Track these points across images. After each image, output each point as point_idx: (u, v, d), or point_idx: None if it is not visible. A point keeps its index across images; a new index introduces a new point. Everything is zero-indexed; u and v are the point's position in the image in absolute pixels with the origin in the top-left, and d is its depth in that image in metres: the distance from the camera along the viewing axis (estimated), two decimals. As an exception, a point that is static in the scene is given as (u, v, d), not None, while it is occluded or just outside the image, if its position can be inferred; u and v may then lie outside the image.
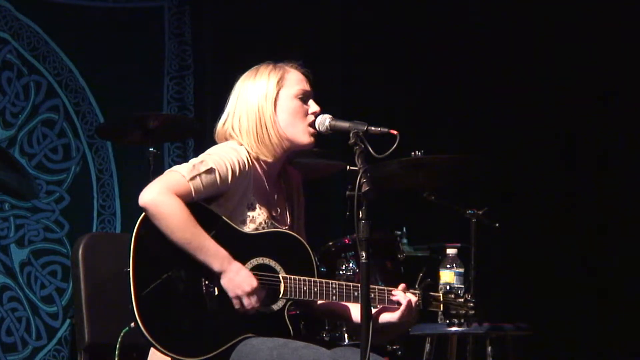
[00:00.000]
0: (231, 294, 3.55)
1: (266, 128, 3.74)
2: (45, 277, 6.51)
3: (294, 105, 3.78)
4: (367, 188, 3.40)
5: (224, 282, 3.55)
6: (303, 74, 3.85)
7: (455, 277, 4.56)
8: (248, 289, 3.55)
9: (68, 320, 6.40)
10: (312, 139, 3.79)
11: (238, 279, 3.55)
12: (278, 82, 3.78)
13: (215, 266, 3.54)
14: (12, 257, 6.45)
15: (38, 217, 6.53)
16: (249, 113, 3.76)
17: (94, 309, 4.08)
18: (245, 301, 3.55)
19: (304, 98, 3.80)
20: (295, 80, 3.81)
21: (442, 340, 5.38)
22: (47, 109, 6.60)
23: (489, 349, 5.15)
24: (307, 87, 3.82)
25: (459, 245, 4.78)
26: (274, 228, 3.75)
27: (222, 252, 3.56)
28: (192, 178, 3.57)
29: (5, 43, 6.50)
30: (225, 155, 3.67)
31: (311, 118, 3.78)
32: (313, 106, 3.80)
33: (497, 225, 5.19)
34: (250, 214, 3.71)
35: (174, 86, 6.88)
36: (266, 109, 3.75)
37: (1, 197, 6.40)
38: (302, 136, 3.78)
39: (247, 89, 3.79)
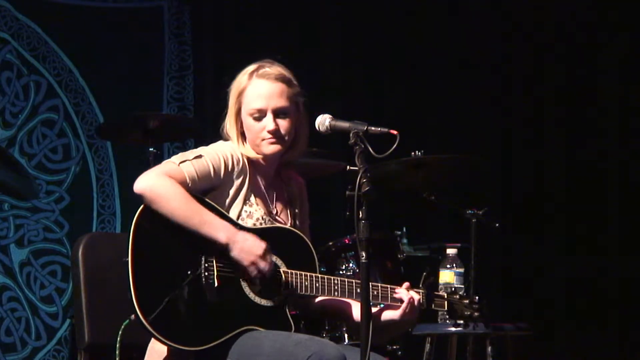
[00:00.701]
0: (245, 262, 3.56)
1: (239, 139, 3.77)
2: (45, 277, 6.51)
3: (248, 122, 3.77)
4: (367, 188, 3.40)
5: (234, 252, 3.56)
6: (270, 80, 3.76)
7: (455, 277, 4.57)
8: (260, 251, 3.57)
9: (68, 320, 6.40)
10: (272, 147, 3.74)
11: (248, 246, 3.57)
12: (237, 97, 3.78)
13: (222, 238, 3.56)
14: (12, 257, 6.44)
15: (38, 217, 6.53)
16: (229, 122, 3.80)
17: (94, 309, 4.08)
18: (262, 265, 3.57)
19: (258, 117, 3.75)
20: (252, 96, 3.76)
21: (442, 340, 5.38)
22: (46, 109, 6.60)
23: (489, 349, 5.15)
24: (261, 104, 3.74)
25: (459, 245, 4.79)
26: (273, 224, 3.76)
27: (225, 224, 3.58)
28: (182, 162, 3.61)
29: (5, 43, 6.50)
30: (220, 150, 3.72)
31: (266, 135, 3.73)
32: (269, 124, 3.74)
33: (497, 225, 5.19)
34: (247, 209, 3.72)
35: (173, 86, 6.88)
36: (235, 122, 3.78)
37: (1, 197, 6.40)
38: (261, 149, 3.76)
39: (229, 96, 3.82)
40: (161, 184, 3.54)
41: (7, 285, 6.42)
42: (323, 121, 3.73)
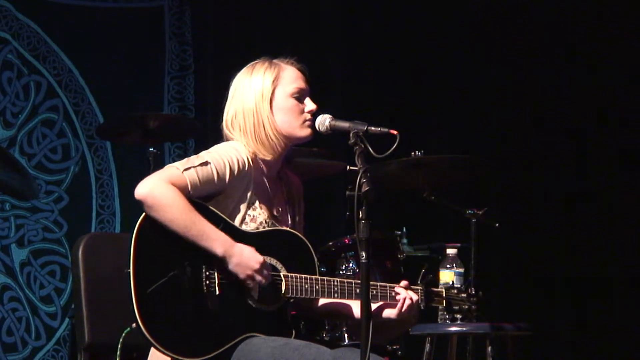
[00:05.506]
0: (242, 275, 3.57)
1: (264, 127, 3.74)
2: (45, 277, 6.51)
3: (289, 104, 3.78)
4: (367, 188, 3.40)
5: (231, 266, 3.56)
6: (299, 70, 3.84)
7: (455, 277, 4.57)
8: (257, 265, 3.57)
9: (67, 320, 6.40)
10: (309, 130, 3.78)
11: (244, 259, 3.57)
12: (273, 80, 3.77)
13: (219, 251, 3.56)
14: (13, 257, 6.45)
15: (37, 217, 6.53)
16: (245, 112, 3.76)
17: (94, 309, 4.09)
18: (257, 278, 3.58)
19: (299, 97, 3.79)
20: (290, 78, 3.80)
21: (442, 340, 5.37)
22: (46, 109, 6.60)
23: (489, 349, 5.14)
24: (302, 84, 3.81)
25: (459, 245, 4.79)
26: (274, 227, 3.75)
27: (223, 236, 3.57)
28: (187, 169, 3.59)
29: (6, 43, 6.50)
30: (225, 154, 3.68)
31: (307, 116, 3.78)
32: (309, 104, 3.80)
33: (497, 225, 5.19)
34: (250, 212, 3.71)
35: (174, 86, 6.87)
36: (263, 108, 3.75)
37: (2, 197, 6.40)
38: (299, 131, 3.78)
39: (243, 88, 3.79)
40: (161, 192, 3.52)
41: (8, 285, 6.43)
42: (323, 121, 3.74)
